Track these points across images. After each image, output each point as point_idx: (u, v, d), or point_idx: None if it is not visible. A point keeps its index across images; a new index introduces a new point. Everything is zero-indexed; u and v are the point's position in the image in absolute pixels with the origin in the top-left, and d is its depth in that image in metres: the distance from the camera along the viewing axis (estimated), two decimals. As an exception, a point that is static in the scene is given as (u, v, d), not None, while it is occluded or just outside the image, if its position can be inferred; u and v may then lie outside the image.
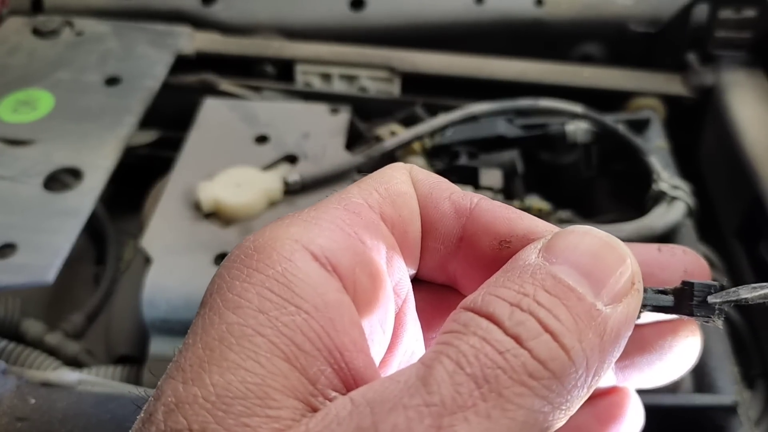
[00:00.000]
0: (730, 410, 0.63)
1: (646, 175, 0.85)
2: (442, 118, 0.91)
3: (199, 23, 1.08)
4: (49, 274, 0.69)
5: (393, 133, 0.92)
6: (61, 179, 0.82)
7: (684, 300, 0.28)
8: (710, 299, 0.28)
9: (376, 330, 0.28)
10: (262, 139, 0.90)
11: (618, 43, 1.08)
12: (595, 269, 0.25)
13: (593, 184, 0.96)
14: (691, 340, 0.31)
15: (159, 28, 1.05)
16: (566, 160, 0.91)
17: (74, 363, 0.77)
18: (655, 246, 0.32)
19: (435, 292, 0.33)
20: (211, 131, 0.92)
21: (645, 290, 0.28)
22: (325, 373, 0.24)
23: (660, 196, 0.82)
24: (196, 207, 0.80)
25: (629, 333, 0.26)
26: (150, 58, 0.99)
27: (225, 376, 0.22)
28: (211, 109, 0.95)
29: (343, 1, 1.09)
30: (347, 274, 0.26)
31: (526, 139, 0.90)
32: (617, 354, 0.25)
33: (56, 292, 0.87)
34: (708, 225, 0.88)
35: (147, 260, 0.75)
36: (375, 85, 1.04)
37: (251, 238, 0.27)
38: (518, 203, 0.84)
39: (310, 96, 1.00)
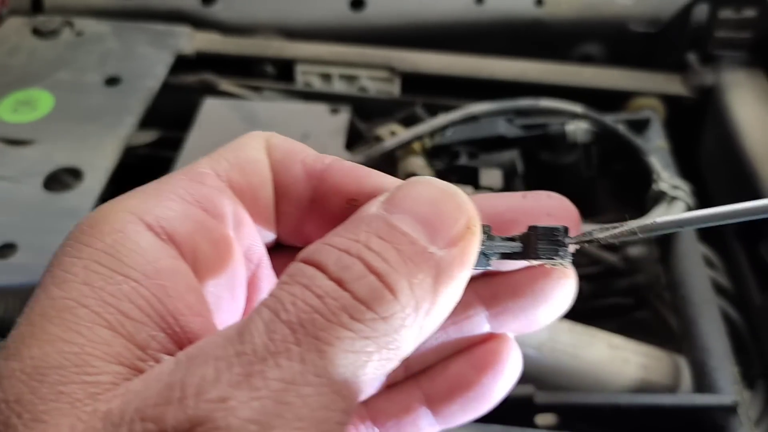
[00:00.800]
0: (730, 410, 0.63)
1: (646, 175, 0.85)
2: (442, 118, 0.91)
3: (199, 23, 1.08)
4: (49, 274, 0.69)
5: (393, 133, 0.92)
6: (61, 179, 0.82)
7: (531, 245, 0.29)
8: (566, 240, 0.29)
9: (223, 296, 0.29)
10: (262, 139, 0.90)
11: (618, 43, 1.08)
12: (431, 216, 0.25)
13: (593, 184, 0.96)
14: (564, 283, 0.31)
15: (159, 28, 1.05)
16: (566, 160, 0.91)
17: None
18: (519, 194, 0.32)
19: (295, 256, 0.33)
20: (211, 131, 0.92)
21: (493, 238, 0.29)
22: (156, 338, 0.24)
23: (660, 196, 0.82)
24: (196, 207, 0.80)
25: (466, 275, 0.26)
26: (150, 58, 0.99)
27: (43, 348, 0.23)
28: (211, 109, 0.95)
29: (343, 1, 1.09)
30: (185, 241, 0.27)
31: (526, 139, 0.90)
32: (454, 296, 0.26)
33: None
34: (708, 225, 0.88)
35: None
36: (375, 85, 1.04)
37: (89, 215, 0.27)
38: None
39: (310, 96, 1.00)
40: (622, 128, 0.89)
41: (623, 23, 1.06)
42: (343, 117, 0.94)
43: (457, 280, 0.25)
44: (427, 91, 1.02)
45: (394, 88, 1.03)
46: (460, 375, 0.32)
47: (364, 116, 0.98)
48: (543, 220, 0.30)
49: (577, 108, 0.91)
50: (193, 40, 1.05)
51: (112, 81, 0.95)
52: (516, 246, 0.29)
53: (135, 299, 0.24)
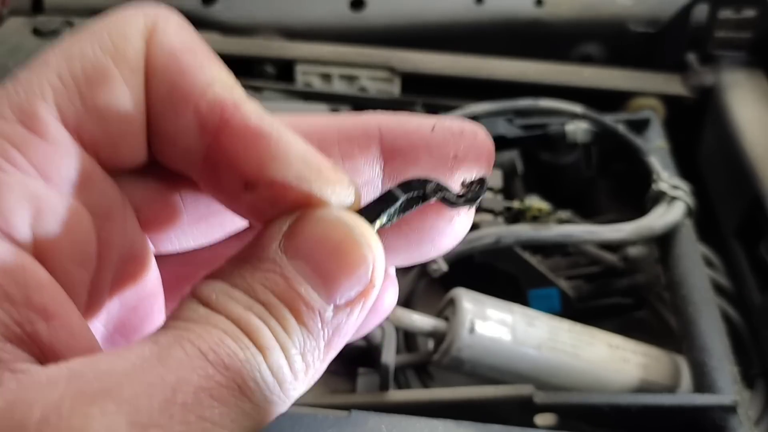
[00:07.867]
0: (730, 410, 0.63)
1: (646, 175, 0.85)
2: (442, 118, 0.91)
3: (199, 23, 1.08)
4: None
5: (393, 133, 0.92)
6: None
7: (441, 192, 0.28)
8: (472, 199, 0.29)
9: (75, 270, 0.25)
10: (262, 140, 0.90)
11: (618, 43, 1.08)
12: (332, 269, 0.25)
13: (593, 184, 0.96)
14: (457, 220, 0.29)
15: (159, 29, 1.05)
16: (566, 160, 0.91)
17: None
18: (431, 123, 0.29)
19: (164, 184, 0.29)
20: (212, 131, 0.92)
21: (406, 209, 0.28)
22: (11, 350, 0.23)
23: (660, 196, 0.82)
24: (197, 207, 0.80)
25: (360, 322, 0.26)
26: (150, 58, 0.99)
27: None
28: (211, 109, 0.95)
29: (343, 1, 1.10)
30: (31, 234, 0.24)
31: (526, 139, 0.90)
32: (344, 342, 0.26)
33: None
34: (708, 225, 0.88)
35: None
36: (375, 85, 1.04)
37: None
38: (518, 203, 0.84)
39: (310, 96, 1.00)
40: (621, 128, 0.89)
41: (623, 23, 1.06)
42: (343, 117, 0.94)
43: (352, 332, 0.26)
44: (427, 91, 1.02)
45: (394, 89, 1.03)
46: None
47: (364, 116, 0.98)
48: (448, 162, 0.29)
49: (576, 108, 0.91)
50: (193, 41, 1.05)
51: (112, 81, 0.95)
52: (415, 207, 0.28)
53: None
